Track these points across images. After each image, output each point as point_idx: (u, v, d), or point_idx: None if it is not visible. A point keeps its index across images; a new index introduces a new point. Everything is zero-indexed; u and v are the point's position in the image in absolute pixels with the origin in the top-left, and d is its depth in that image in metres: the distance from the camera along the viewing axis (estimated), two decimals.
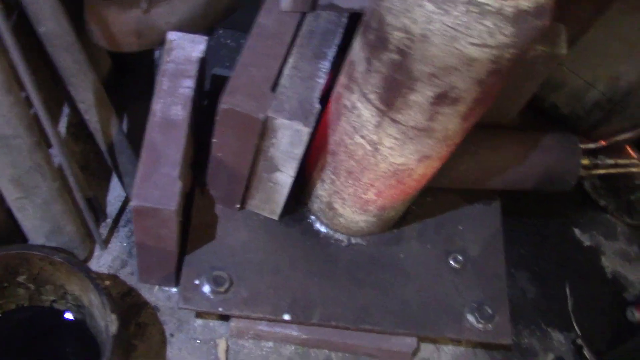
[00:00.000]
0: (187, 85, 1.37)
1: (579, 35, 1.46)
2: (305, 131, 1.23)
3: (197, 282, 1.45)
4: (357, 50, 1.15)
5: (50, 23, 1.27)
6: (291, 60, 1.29)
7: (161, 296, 1.59)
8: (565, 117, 1.65)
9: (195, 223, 1.51)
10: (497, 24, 0.93)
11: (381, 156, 1.24)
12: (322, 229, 1.58)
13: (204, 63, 1.43)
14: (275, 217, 1.55)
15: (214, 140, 1.32)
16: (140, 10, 1.37)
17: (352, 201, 1.43)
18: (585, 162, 1.61)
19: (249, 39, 1.29)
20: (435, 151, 1.23)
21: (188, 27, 1.48)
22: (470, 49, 0.96)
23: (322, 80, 1.27)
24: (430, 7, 0.94)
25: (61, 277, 1.39)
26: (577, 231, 1.94)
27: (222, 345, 1.55)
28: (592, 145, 1.63)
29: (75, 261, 1.36)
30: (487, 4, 0.92)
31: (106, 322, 1.28)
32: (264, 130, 1.25)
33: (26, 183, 1.33)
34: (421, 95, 1.07)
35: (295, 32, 1.32)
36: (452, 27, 0.94)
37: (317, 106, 1.24)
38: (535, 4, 0.95)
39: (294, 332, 1.52)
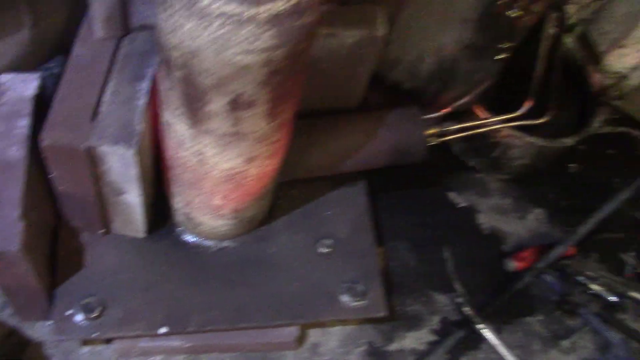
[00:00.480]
0: (23, 125, 1.39)
1: (397, 13, 1.53)
2: (129, 153, 1.26)
3: (70, 312, 1.48)
4: (159, 69, 1.19)
5: None
6: (110, 86, 1.33)
7: (45, 331, 1.61)
8: (409, 91, 1.72)
9: (62, 254, 1.54)
10: (254, 31, 0.98)
11: (209, 165, 1.29)
12: (190, 238, 1.62)
13: (41, 99, 1.45)
14: (141, 235, 1.59)
15: (51, 175, 1.35)
16: None
17: (204, 209, 1.47)
18: (432, 131, 1.69)
19: (64, 72, 1.32)
20: (259, 151, 1.28)
21: (20, 66, 1.50)
22: (238, 57, 1.01)
23: (142, 101, 1.31)
24: (190, 25, 0.99)
25: None
26: (452, 194, 2.02)
27: None
28: (435, 115, 1.70)
29: None
30: (240, 14, 0.96)
31: None
32: (93, 159, 1.29)
33: None
34: (216, 105, 1.12)
35: (112, 57, 1.36)
36: (215, 41, 0.99)
37: (139, 127, 1.28)
38: (291, 5, 1.00)
39: (176, 342, 1.57)
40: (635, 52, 1.98)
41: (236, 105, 1.12)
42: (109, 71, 1.34)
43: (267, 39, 1.00)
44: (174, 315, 1.52)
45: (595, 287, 1.85)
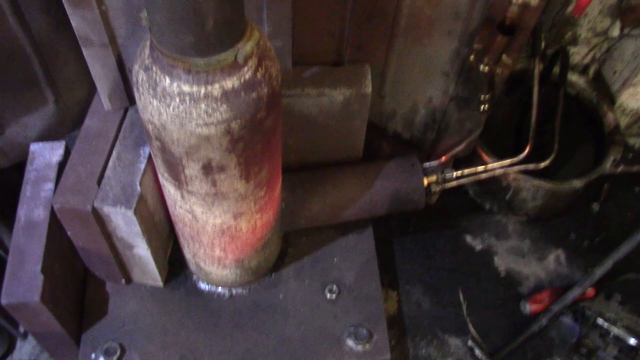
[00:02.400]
0: (48, 188, 1.57)
1: (385, 69, 1.61)
2: (129, 213, 1.41)
3: (92, 356, 1.63)
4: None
5: None
6: (115, 153, 1.48)
7: None
8: (409, 141, 1.78)
9: (88, 303, 1.70)
10: (210, 105, 1.10)
11: (201, 220, 1.41)
12: (204, 286, 1.75)
13: (64, 164, 1.63)
14: (160, 284, 1.73)
15: (68, 233, 1.52)
16: None
17: (209, 259, 1.59)
18: (433, 178, 1.74)
19: (76, 142, 1.49)
20: (244, 207, 1.39)
21: (48, 136, 1.69)
22: (199, 130, 1.13)
23: (143, 165, 1.45)
24: (156, 102, 1.12)
25: None
26: (468, 237, 2.05)
27: None
28: (434, 163, 1.76)
29: None
30: (196, 92, 1.09)
31: None
32: (100, 218, 1.44)
33: None
34: (191, 170, 1.24)
35: (119, 127, 1.52)
36: (177, 115, 1.11)
37: (138, 189, 1.42)
38: (243, 81, 1.11)
39: None
40: None
41: (209, 169, 1.23)
42: (115, 139, 1.50)
43: (222, 112, 1.11)
44: (186, 358, 1.63)
45: (615, 330, 1.81)
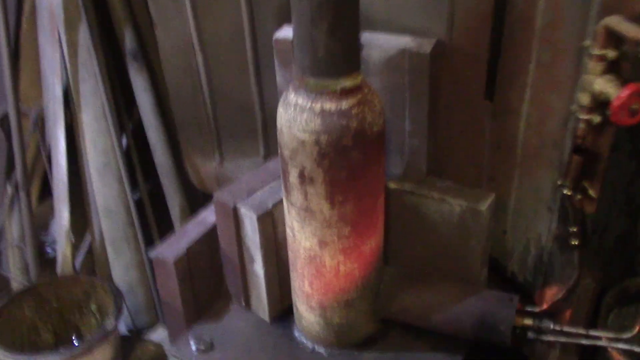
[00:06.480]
0: None
1: (507, 202, 1.81)
2: (254, 217, 1.84)
3: (191, 341, 1.99)
4: None
5: (160, 156, 2.20)
6: (272, 184, 1.96)
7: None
8: (522, 285, 1.85)
9: (211, 309, 2.10)
10: (309, 117, 1.53)
11: (297, 241, 1.76)
12: (296, 333, 2.00)
13: None
14: (266, 319, 2.05)
15: (218, 232, 2.00)
16: (216, 162, 2.22)
17: (300, 296, 1.88)
18: (528, 322, 1.77)
19: (256, 170, 2.03)
20: (328, 237, 1.70)
21: None
22: (299, 133, 1.56)
23: (282, 195, 1.90)
24: (281, 110, 1.60)
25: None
26: None
27: None
28: (536, 309, 1.80)
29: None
30: (304, 105, 1.54)
31: None
32: (237, 220, 1.90)
33: (118, 247, 2.16)
34: (292, 177, 1.64)
35: None
36: (289, 121, 1.57)
37: (269, 206, 1.86)
38: (338, 109, 1.53)
39: None
40: None
41: (303, 178, 1.62)
42: (277, 177, 1.98)
43: (316, 124, 1.53)
44: None
45: None
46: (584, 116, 1.41)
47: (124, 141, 2.22)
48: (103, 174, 2.08)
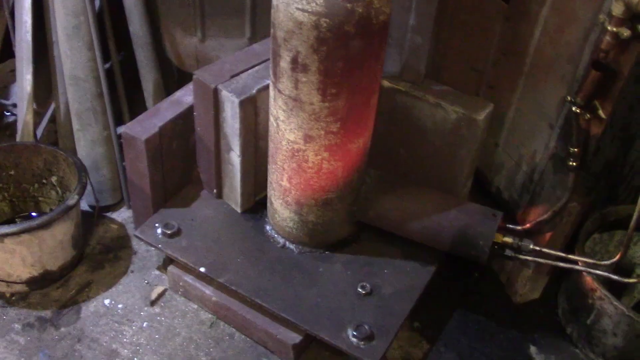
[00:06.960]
0: None
1: (505, 114, 1.71)
2: (236, 102, 1.70)
3: (157, 224, 1.89)
4: None
5: (135, 25, 2.01)
6: (257, 68, 1.81)
7: (143, 247, 2.05)
8: (506, 202, 1.79)
9: (180, 194, 1.99)
10: None
11: (280, 132, 1.64)
12: (268, 228, 1.92)
13: None
14: (238, 209, 1.95)
15: (195, 114, 1.85)
16: (197, 39, 2.04)
17: (277, 190, 1.78)
18: (508, 240, 1.71)
19: (239, 51, 1.86)
20: (314, 131, 1.58)
21: None
22: (297, 13, 1.39)
23: (269, 82, 1.75)
24: None
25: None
26: (533, 348, 1.89)
27: (157, 289, 1.92)
28: (518, 228, 1.74)
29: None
30: None
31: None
32: (217, 103, 1.75)
33: (84, 119, 2.00)
34: (284, 62, 1.49)
35: None
36: None
37: (253, 92, 1.72)
38: None
39: (208, 291, 1.83)
40: None
41: (295, 65, 1.47)
42: (265, 61, 1.83)
43: (317, 4, 1.37)
44: (216, 265, 1.80)
45: None
46: (612, 28, 1.29)
47: (97, 3, 2.01)
48: (72, 37, 1.89)
